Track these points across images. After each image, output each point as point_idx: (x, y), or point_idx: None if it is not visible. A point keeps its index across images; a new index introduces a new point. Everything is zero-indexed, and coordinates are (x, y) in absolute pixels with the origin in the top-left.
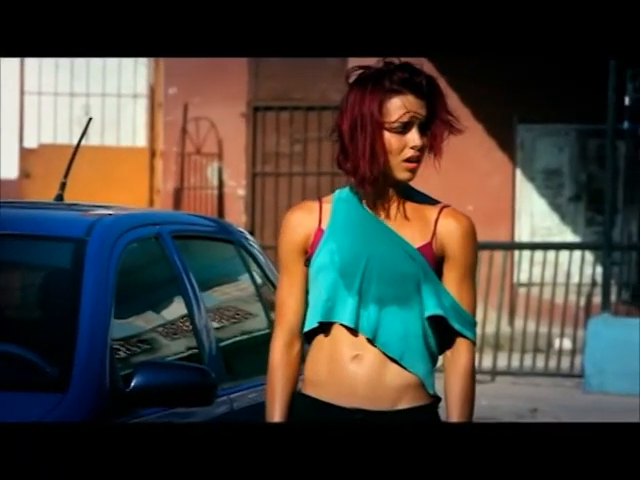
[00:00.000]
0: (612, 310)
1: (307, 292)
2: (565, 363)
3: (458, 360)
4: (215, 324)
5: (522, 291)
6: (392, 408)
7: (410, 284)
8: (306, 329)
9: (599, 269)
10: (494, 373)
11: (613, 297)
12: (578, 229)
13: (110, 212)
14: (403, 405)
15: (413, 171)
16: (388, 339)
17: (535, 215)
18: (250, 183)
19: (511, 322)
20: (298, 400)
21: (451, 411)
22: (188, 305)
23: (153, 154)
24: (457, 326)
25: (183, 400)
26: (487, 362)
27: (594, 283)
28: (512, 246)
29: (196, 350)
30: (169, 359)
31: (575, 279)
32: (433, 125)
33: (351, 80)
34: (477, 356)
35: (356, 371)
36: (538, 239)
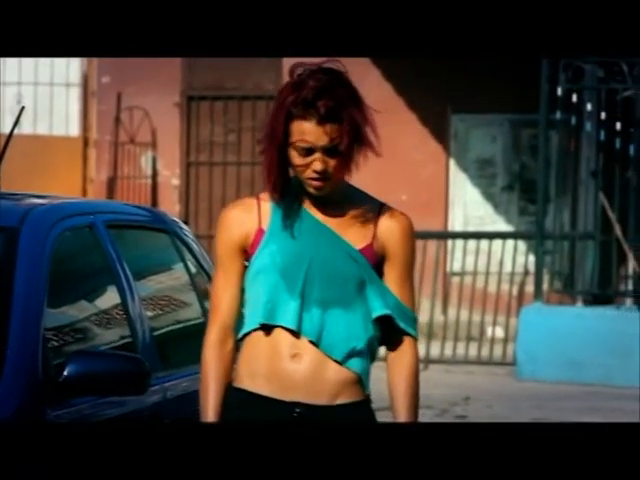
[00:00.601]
0: (544, 299)
1: (243, 290)
2: (498, 351)
3: (404, 358)
4: (149, 313)
5: (455, 280)
6: (331, 403)
7: (352, 286)
8: (246, 330)
9: (532, 258)
10: (427, 361)
11: (545, 286)
12: (511, 218)
13: (43, 201)
14: (341, 400)
15: (319, 189)
16: (331, 342)
17: (468, 204)
18: (184, 172)
19: (444, 311)
20: (233, 394)
21: (399, 410)
22: (122, 294)
23: (86, 143)
24: (402, 324)
25: (116, 389)
26: (420, 350)
27: (526, 272)
28: (445, 235)
29: (130, 339)
30: (102, 348)
31: (508, 268)
32: (344, 146)
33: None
34: None
35: (296, 368)
36: (471, 228)
